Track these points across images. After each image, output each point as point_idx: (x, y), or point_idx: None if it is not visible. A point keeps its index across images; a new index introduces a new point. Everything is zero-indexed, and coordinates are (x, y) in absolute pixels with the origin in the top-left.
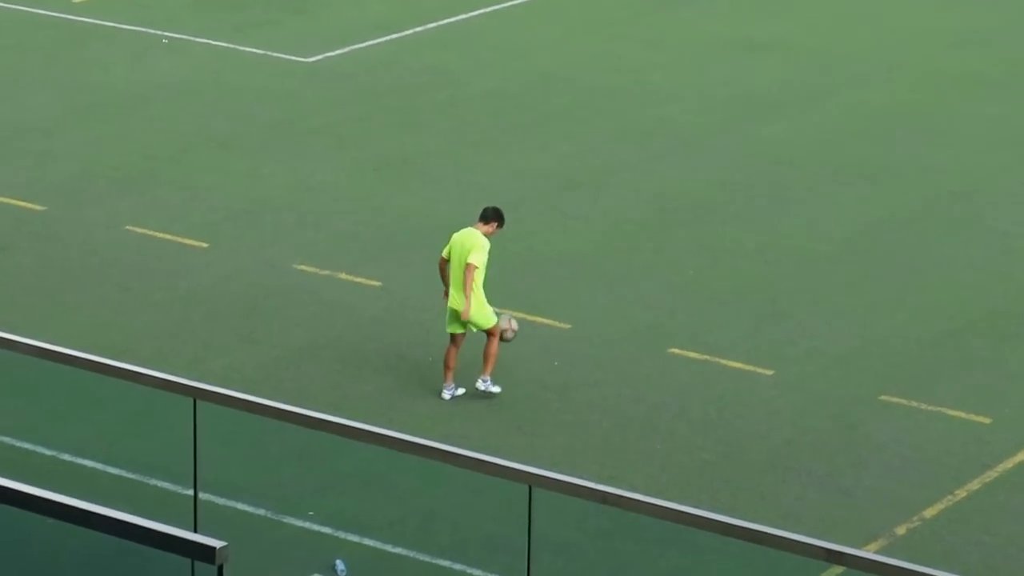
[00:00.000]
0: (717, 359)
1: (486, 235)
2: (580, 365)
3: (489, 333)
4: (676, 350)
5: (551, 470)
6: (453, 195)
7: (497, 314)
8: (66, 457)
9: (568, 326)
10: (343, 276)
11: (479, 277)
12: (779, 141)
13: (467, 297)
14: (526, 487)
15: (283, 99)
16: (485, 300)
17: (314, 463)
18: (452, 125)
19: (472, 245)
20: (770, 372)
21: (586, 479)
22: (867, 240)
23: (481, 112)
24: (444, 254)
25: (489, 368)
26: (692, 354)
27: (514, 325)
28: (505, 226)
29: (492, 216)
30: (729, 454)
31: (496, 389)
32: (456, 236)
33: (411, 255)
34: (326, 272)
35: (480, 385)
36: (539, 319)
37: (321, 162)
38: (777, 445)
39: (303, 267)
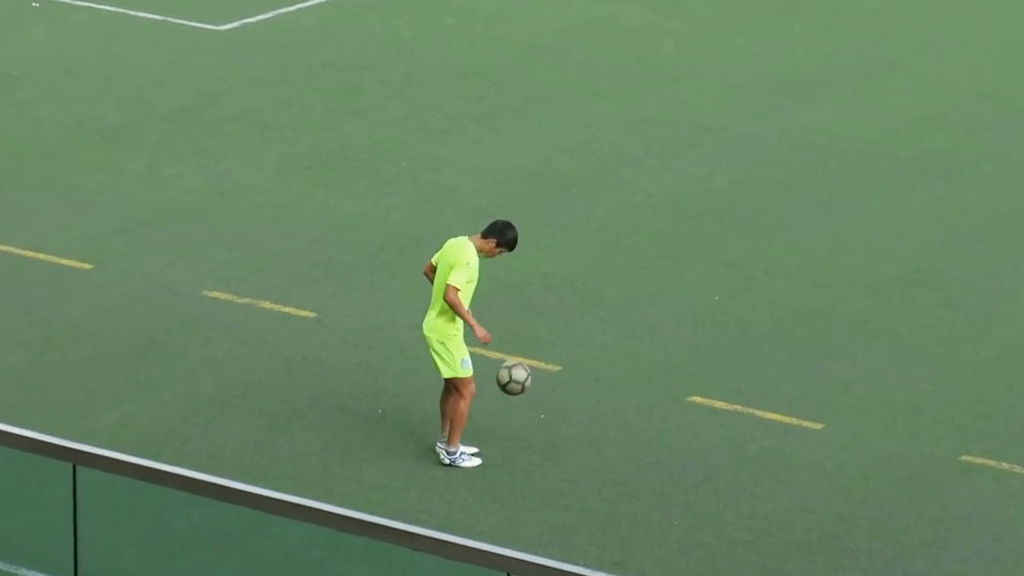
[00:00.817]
0: (750, 410)
1: (482, 252)
2: (574, 418)
3: (457, 388)
4: (697, 398)
5: (537, 554)
6: (408, 200)
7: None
8: None
9: (557, 368)
10: (266, 305)
11: (460, 299)
12: (827, 129)
13: (466, 321)
14: (504, 574)
15: (189, 78)
16: (461, 340)
17: (231, 546)
18: (407, 111)
19: (455, 260)
20: (819, 426)
21: (582, 566)
22: (941, 256)
23: (444, 94)
24: (433, 260)
25: (456, 435)
26: (718, 403)
27: (521, 376)
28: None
29: (495, 233)
30: (767, 532)
31: (471, 462)
32: (447, 244)
33: (354, 278)
34: (245, 300)
35: (442, 455)
36: (519, 359)
37: (239, 159)
38: (829, 520)
39: (216, 294)
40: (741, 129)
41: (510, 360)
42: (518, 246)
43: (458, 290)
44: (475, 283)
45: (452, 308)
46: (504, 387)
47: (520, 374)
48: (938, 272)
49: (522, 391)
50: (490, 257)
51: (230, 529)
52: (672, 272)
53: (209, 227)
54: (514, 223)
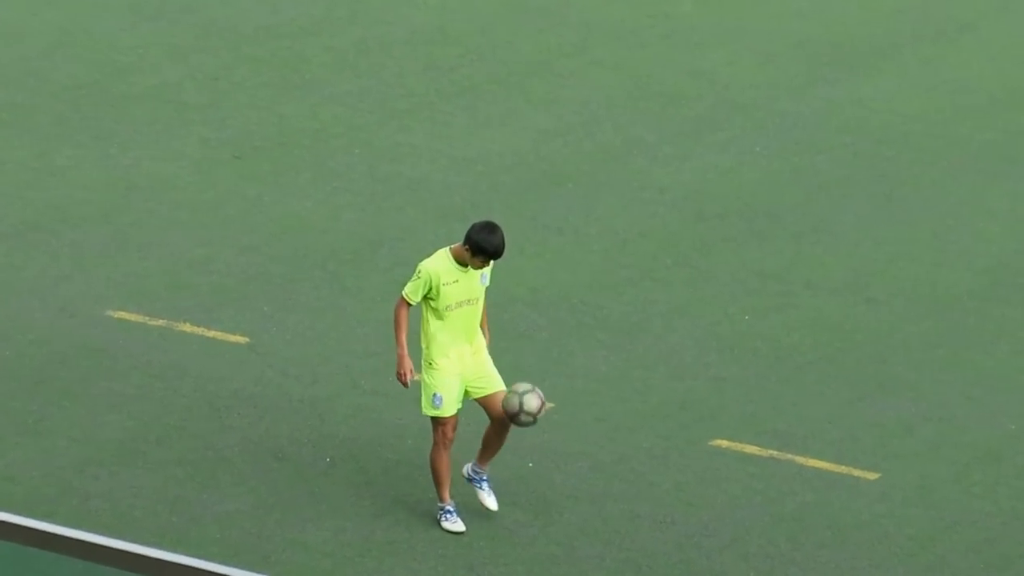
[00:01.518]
0: (789, 456)
1: (459, 261)
2: (570, 467)
3: (434, 425)
4: (723, 442)
5: None
6: (363, 197)
7: (513, 392)
8: None
9: (551, 404)
10: (187, 328)
11: (403, 317)
12: (885, 107)
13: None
14: None
15: (89, 47)
16: (441, 368)
17: None
18: (360, 85)
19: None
20: (874, 476)
21: None
22: None
23: (407, 65)
24: None
25: (438, 489)
26: (749, 448)
27: (535, 406)
28: (495, 261)
29: (467, 235)
30: None
31: (453, 524)
32: None
33: (296, 294)
34: (159, 322)
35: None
36: (533, 385)
37: (151, 147)
38: None
39: (123, 314)
40: (778, 107)
41: (522, 385)
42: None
43: (406, 303)
44: (449, 300)
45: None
46: (513, 418)
47: (533, 404)
48: (1023, 286)
49: (534, 423)
50: (475, 269)
51: None
52: (692, 286)
53: (114, 231)
54: (498, 224)
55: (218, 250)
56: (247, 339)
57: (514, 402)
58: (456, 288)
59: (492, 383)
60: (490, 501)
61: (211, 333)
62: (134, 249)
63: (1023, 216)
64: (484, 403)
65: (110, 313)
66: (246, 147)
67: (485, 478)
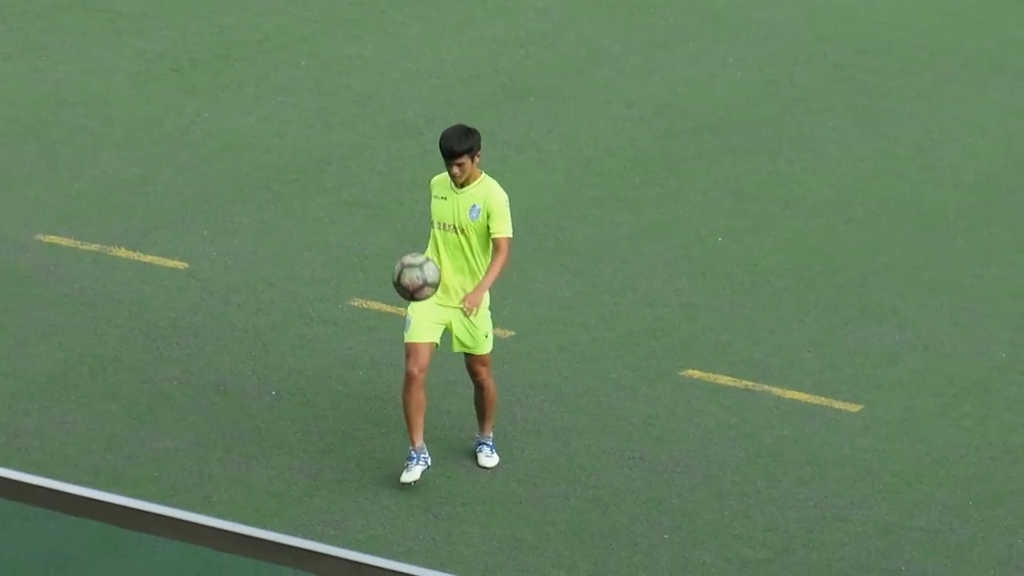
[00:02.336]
0: (766, 387)
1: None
2: (531, 400)
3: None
4: (695, 373)
5: None
6: (309, 113)
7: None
8: None
9: (509, 334)
10: (121, 253)
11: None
12: (867, 14)
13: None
14: None
15: None
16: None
17: (77, 573)
18: None
19: None
20: (856, 408)
21: None
22: (1019, 183)
23: None
24: None
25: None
26: (723, 379)
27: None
28: (449, 158)
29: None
30: (788, 548)
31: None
32: None
33: (238, 217)
34: (92, 247)
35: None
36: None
37: (81, 59)
38: (870, 532)
39: (52, 239)
40: (752, 15)
41: (417, 258)
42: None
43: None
44: (436, 217)
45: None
46: (414, 294)
47: (432, 272)
48: (1014, 205)
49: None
50: (455, 184)
51: (75, 551)
52: (661, 206)
53: (43, 150)
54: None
55: (154, 170)
56: (186, 265)
57: (415, 276)
58: (443, 206)
59: (474, 347)
60: (487, 461)
61: (147, 258)
62: (64, 169)
63: (1013, 130)
64: (466, 361)
65: (39, 237)
66: (184, 60)
67: (482, 441)
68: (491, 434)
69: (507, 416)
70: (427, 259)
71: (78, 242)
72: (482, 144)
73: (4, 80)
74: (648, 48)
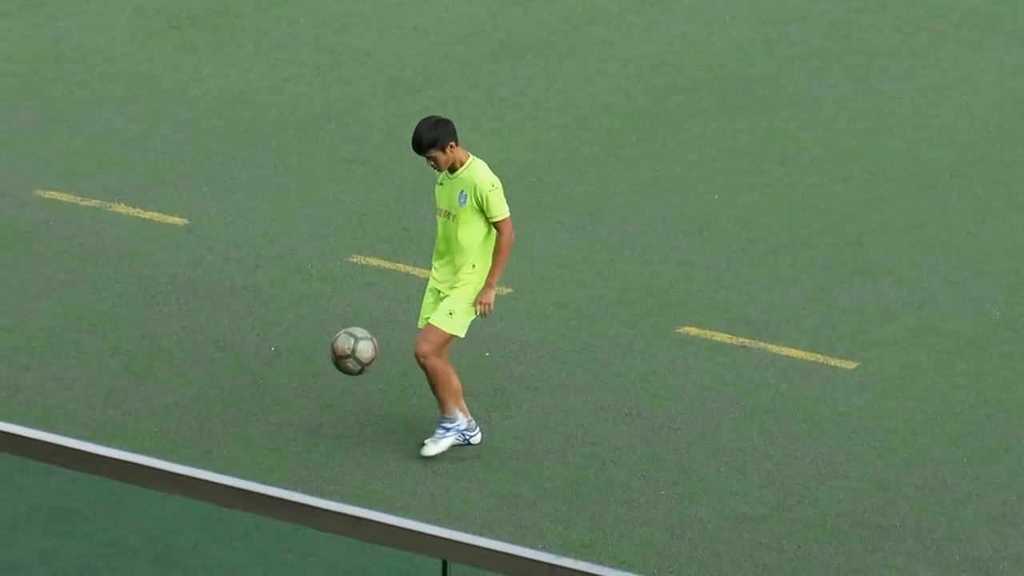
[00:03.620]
0: (762, 344)
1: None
2: (529, 357)
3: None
4: (692, 330)
5: (480, 534)
6: (308, 69)
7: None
8: None
9: (507, 291)
10: (121, 209)
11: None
12: None
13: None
14: (439, 562)
15: None
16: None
17: (76, 528)
18: None
19: None
20: (852, 365)
21: (540, 550)
22: (1013, 141)
23: None
24: None
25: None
26: (720, 336)
27: (367, 354)
28: (427, 156)
29: None
30: (784, 505)
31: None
32: None
33: (237, 173)
34: (92, 202)
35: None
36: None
37: (80, 15)
38: (865, 489)
39: (52, 194)
40: None
41: (360, 331)
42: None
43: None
44: (435, 202)
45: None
46: (339, 359)
47: (366, 352)
48: (1009, 163)
49: (360, 372)
50: (435, 169)
51: (75, 506)
52: (658, 163)
53: (42, 106)
54: (442, 120)
55: (154, 126)
56: (185, 220)
57: (346, 344)
58: (440, 192)
59: (433, 316)
60: (426, 447)
61: (147, 214)
62: (64, 125)
63: (1009, 88)
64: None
65: (39, 193)
66: (183, 16)
67: (440, 422)
68: (451, 416)
69: (505, 373)
70: (367, 337)
71: (78, 198)
72: (455, 133)
73: (3, 36)
74: (645, 6)
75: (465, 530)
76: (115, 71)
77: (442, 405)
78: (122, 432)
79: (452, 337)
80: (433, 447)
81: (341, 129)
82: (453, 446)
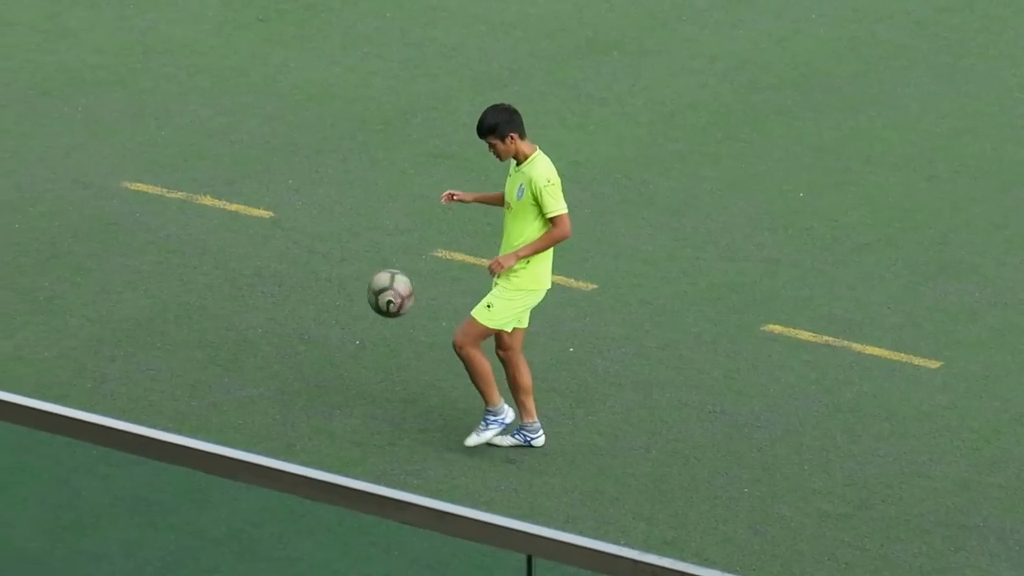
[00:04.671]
0: (846, 343)
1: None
2: (613, 353)
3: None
4: (776, 327)
5: (564, 530)
6: (394, 64)
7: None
8: None
9: (592, 287)
10: (207, 201)
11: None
12: None
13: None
14: (524, 557)
15: None
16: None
17: (160, 520)
18: None
19: None
20: (935, 365)
21: (623, 546)
22: None
23: None
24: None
25: (492, 396)
26: (803, 334)
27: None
28: (489, 137)
29: None
30: (867, 503)
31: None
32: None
33: (323, 166)
34: (178, 194)
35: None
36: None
37: (169, 7)
38: (948, 488)
39: (139, 186)
40: None
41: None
42: (536, 128)
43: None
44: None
45: None
46: (376, 297)
47: (399, 287)
48: None
49: (390, 309)
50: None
51: (159, 497)
52: (743, 161)
53: (130, 98)
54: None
55: (240, 119)
56: (271, 213)
57: (384, 279)
58: (507, 183)
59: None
60: (469, 437)
61: (233, 207)
62: (151, 117)
63: None
64: None
65: (126, 184)
66: (271, 9)
67: (484, 414)
68: (494, 408)
69: (589, 368)
70: (392, 274)
71: (164, 190)
72: (521, 125)
73: (92, 28)
74: (732, 3)
75: (549, 525)
76: (202, 64)
77: (484, 396)
78: (207, 424)
79: (489, 330)
80: (474, 438)
81: (427, 123)
82: (517, 447)
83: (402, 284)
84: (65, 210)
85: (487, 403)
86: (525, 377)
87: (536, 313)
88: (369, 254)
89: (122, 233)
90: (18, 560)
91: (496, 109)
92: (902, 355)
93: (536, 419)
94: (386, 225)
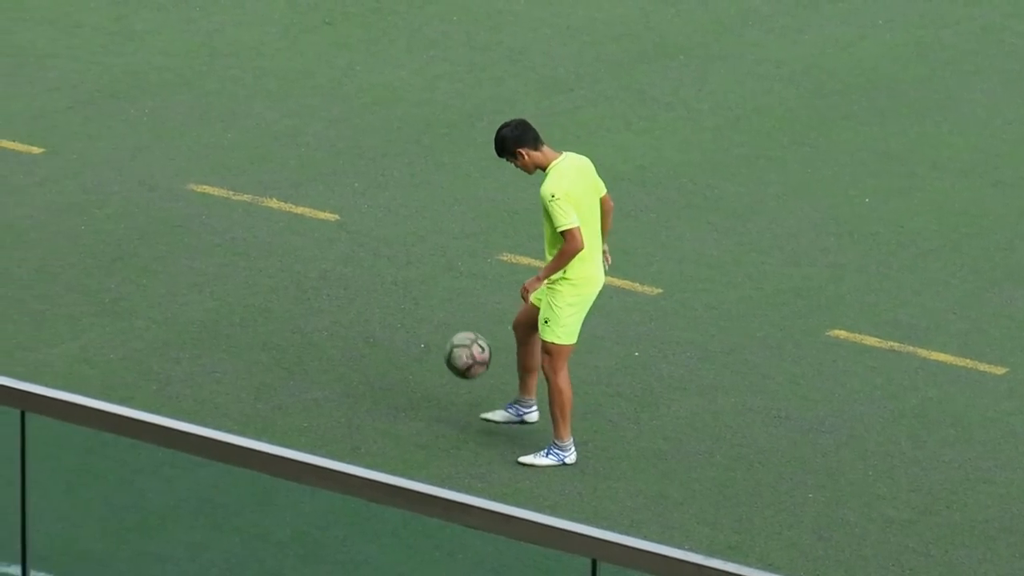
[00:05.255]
0: (911, 348)
1: None
2: (678, 357)
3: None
4: (841, 333)
5: (628, 534)
6: (460, 67)
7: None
8: None
9: (657, 291)
10: (273, 204)
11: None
12: None
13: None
14: (588, 561)
15: None
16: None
17: (224, 522)
18: None
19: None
20: (1001, 371)
21: (687, 550)
22: None
23: None
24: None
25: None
26: (869, 340)
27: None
28: (507, 155)
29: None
30: (931, 509)
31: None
32: (581, 161)
33: (389, 169)
34: (243, 197)
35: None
36: (605, 278)
37: (235, 10)
38: (1014, 494)
39: (205, 188)
40: None
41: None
42: (596, 130)
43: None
44: None
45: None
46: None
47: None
48: None
49: (464, 373)
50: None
51: (224, 499)
52: (809, 166)
53: (196, 100)
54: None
55: (306, 122)
56: (336, 216)
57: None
58: None
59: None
60: (527, 456)
61: (298, 209)
62: (217, 119)
63: None
64: None
65: (192, 187)
66: (337, 12)
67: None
68: (560, 439)
69: (653, 373)
70: (475, 338)
71: (230, 192)
72: (529, 138)
73: (158, 31)
74: (797, 8)
75: (613, 529)
76: (268, 66)
77: (556, 424)
78: (272, 426)
79: (561, 346)
80: (531, 458)
81: (493, 127)
82: (510, 422)
83: (479, 351)
84: (131, 212)
85: (556, 436)
86: (531, 359)
87: (601, 317)
88: (434, 257)
89: (188, 235)
90: (84, 561)
91: (504, 127)
92: (967, 361)
93: (534, 397)
94: (451, 229)
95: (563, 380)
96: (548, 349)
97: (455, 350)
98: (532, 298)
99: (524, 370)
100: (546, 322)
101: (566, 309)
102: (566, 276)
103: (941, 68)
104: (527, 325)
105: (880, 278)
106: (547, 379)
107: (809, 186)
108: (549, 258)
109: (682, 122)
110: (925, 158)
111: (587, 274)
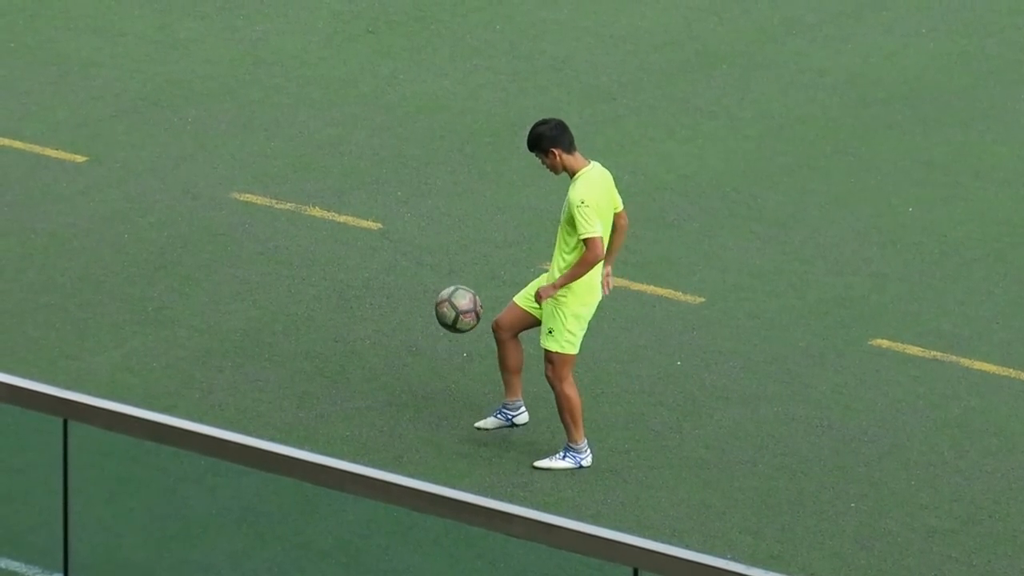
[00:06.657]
0: (954, 358)
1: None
2: (721, 367)
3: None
4: (884, 342)
5: (671, 543)
6: (503, 76)
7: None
8: None
9: (699, 300)
10: (316, 212)
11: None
12: None
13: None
14: (630, 570)
15: None
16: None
17: (267, 530)
18: None
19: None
20: None
21: (730, 559)
22: None
23: None
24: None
25: (575, 433)
26: (912, 349)
27: (465, 304)
28: (542, 153)
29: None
30: (974, 519)
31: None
32: (605, 174)
33: (431, 178)
34: (287, 205)
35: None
36: (647, 288)
37: (279, 18)
38: None
39: (248, 197)
40: None
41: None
42: (639, 139)
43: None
44: None
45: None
46: (436, 307)
47: (463, 299)
48: None
49: (454, 324)
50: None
51: (266, 508)
52: (852, 175)
53: (239, 109)
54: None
55: (349, 130)
56: (379, 225)
57: (447, 292)
58: None
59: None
60: (541, 460)
61: (341, 218)
62: (260, 128)
63: None
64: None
65: (235, 195)
66: (381, 21)
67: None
68: (575, 442)
69: (696, 382)
70: (454, 289)
71: (273, 201)
72: (565, 141)
73: (202, 39)
74: (841, 17)
75: (655, 538)
76: (312, 75)
77: (568, 430)
78: (314, 435)
79: (565, 355)
80: (546, 461)
81: None
82: (501, 427)
83: (462, 298)
84: (174, 220)
85: (569, 440)
86: (513, 360)
87: (643, 326)
88: (478, 266)
89: (231, 244)
90: (126, 570)
91: (542, 124)
92: (1010, 370)
93: (520, 398)
94: (495, 238)
95: (569, 387)
96: (552, 359)
97: (459, 291)
98: (522, 303)
99: (507, 371)
100: (550, 332)
101: (571, 319)
102: (569, 286)
103: (985, 77)
104: (511, 327)
105: (923, 287)
106: (553, 388)
107: (852, 195)
108: (556, 262)
109: (725, 131)
110: (969, 167)
111: (591, 283)
